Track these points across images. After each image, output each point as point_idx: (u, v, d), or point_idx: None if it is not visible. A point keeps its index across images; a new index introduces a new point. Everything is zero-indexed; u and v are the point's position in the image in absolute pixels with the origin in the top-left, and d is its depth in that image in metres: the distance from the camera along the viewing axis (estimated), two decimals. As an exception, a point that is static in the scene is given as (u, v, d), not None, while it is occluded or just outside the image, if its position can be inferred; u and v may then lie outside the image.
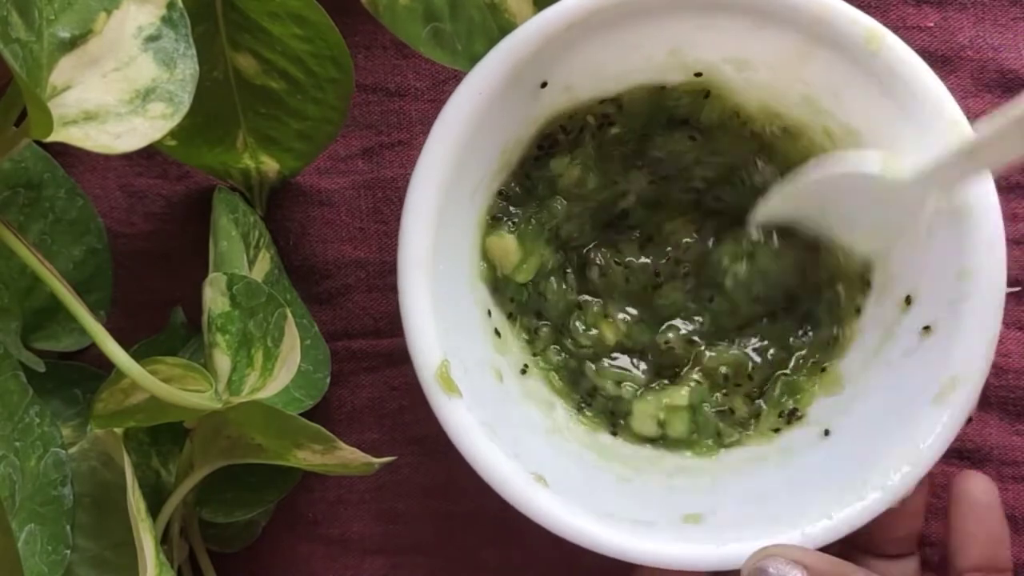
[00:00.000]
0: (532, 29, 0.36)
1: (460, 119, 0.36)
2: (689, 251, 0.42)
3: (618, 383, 0.42)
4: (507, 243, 0.40)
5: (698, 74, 0.39)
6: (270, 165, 0.42)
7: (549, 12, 0.36)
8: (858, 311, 0.40)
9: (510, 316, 0.42)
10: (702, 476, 0.40)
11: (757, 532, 0.36)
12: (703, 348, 0.42)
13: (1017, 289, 0.43)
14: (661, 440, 0.41)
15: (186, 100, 0.31)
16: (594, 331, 0.42)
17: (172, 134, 0.35)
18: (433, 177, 0.36)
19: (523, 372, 0.41)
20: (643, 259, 0.42)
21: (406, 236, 0.36)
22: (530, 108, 0.39)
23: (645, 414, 0.41)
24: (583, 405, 0.42)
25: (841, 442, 0.39)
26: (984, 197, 0.36)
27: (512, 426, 0.39)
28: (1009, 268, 0.44)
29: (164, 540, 0.39)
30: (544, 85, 0.38)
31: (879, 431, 0.37)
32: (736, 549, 0.35)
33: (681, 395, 0.41)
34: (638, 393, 0.42)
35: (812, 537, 0.35)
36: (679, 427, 0.41)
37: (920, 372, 0.37)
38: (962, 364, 0.36)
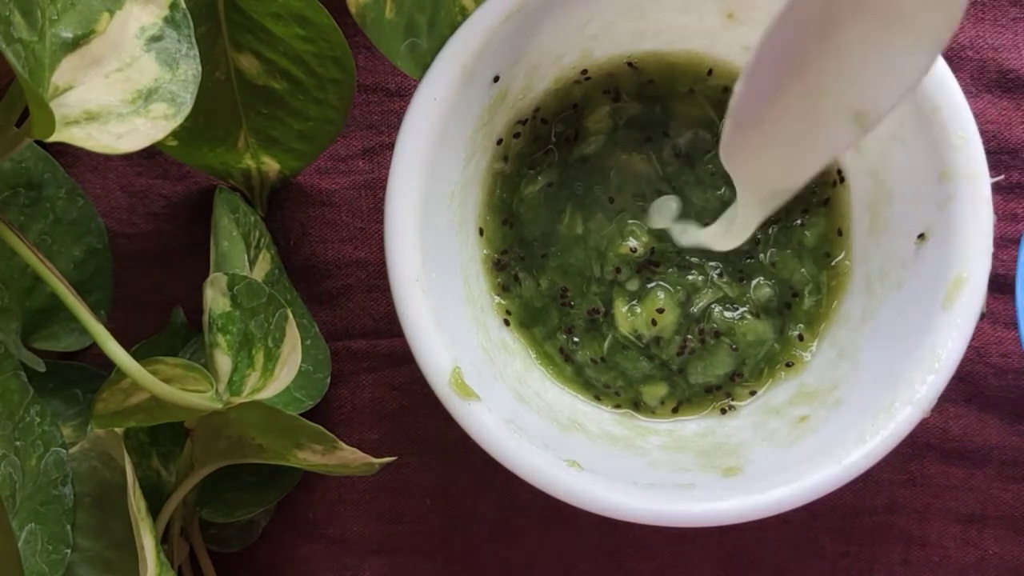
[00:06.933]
0: (471, 27, 0.37)
1: (422, 128, 0.37)
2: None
3: (625, 371, 0.42)
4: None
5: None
6: (271, 165, 0.42)
7: (485, 8, 0.37)
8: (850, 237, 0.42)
9: (507, 323, 0.42)
10: (728, 433, 0.41)
11: (798, 472, 0.36)
12: (716, 308, 0.42)
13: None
14: (677, 409, 0.42)
15: (188, 100, 0.31)
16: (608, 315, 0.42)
17: (173, 134, 0.35)
18: (407, 194, 0.37)
19: (530, 367, 0.42)
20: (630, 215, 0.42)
21: (393, 256, 0.37)
22: (488, 104, 0.39)
23: (654, 396, 0.42)
24: (598, 395, 0.42)
25: (862, 369, 0.39)
26: (950, 96, 0.36)
27: (532, 419, 0.39)
28: (1012, 268, 0.44)
29: (164, 540, 0.39)
30: (496, 80, 0.39)
31: (897, 349, 0.38)
32: (781, 493, 0.36)
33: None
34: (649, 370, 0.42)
35: (851, 465, 0.36)
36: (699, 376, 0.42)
37: (924, 281, 0.38)
38: (963, 262, 0.36)
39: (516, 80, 0.40)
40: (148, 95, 0.31)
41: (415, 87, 0.37)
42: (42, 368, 0.40)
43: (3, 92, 0.33)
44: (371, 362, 0.45)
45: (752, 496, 0.36)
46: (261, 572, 0.45)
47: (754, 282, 0.42)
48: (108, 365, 0.33)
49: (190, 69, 0.32)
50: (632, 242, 0.41)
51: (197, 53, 0.32)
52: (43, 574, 0.35)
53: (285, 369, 0.35)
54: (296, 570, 0.45)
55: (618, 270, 0.42)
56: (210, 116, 0.40)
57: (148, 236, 0.45)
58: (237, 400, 0.35)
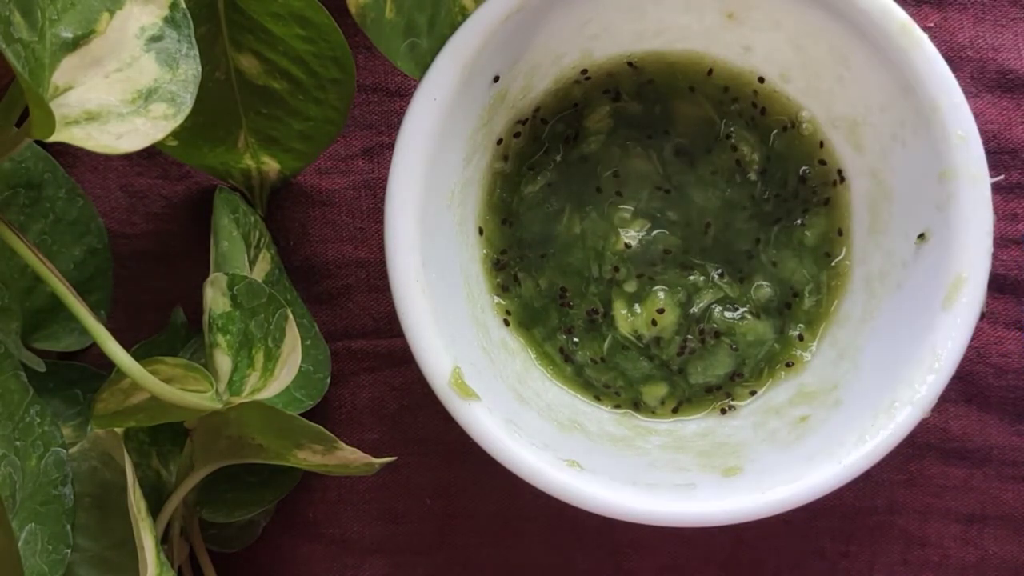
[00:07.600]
0: (471, 27, 0.37)
1: (422, 128, 0.37)
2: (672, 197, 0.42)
3: (625, 370, 0.42)
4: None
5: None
6: (271, 165, 0.42)
7: (485, 8, 0.37)
8: (850, 237, 0.42)
9: (507, 323, 0.42)
10: (728, 433, 0.41)
11: (798, 472, 0.36)
12: (716, 308, 0.42)
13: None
14: (677, 409, 0.42)
15: (188, 100, 0.31)
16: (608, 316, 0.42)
17: (173, 134, 0.35)
18: (407, 194, 0.37)
19: (530, 367, 0.42)
20: (636, 229, 0.42)
21: (393, 256, 0.37)
22: (488, 104, 0.39)
23: (654, 396, 0.42)
24: (598, 395, 0.42)
25: (862, 369, 0.39)
26: (950, 95, 0.37)
27: (532, 419, 0.39)
28: (1012, 268, 0.44)
29: (164, 540, 0.39)
30: (496, 79, 0.39)
31: (897, 349, 0.38)
32: (781, 493, 0.36)
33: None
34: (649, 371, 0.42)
35: (851, 465, 0.36)
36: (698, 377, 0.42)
37: (924, 281, 0.38)
38: (963, 263, 0.36)
39: (516, 80, 0.40)
40: (148, 95, 0.31)
41: (415, 87, 0.37)
42: (42, 368, 0.40)
43: (3, 92, 0.33)
44: (371, 362, 0.45)
45: (752, 496, 0.36)
46: (261, 572, 0.45)
47: (754, 282, 0.42)
48: (108, 365, 0.33)
49: (190, 69, 0.32)
50: (628, 235, 0.41)
51: (197, 53, 0.32)
52: (43, 574, 0.35)
53: (285, 369, 0.35)
54: (296, 570, 0.45)
55: (616, 269, 0.42)
56: (210, 116, 0.40)
57: (148, 236, 0.45)
58: (237, 400, 0.35)
